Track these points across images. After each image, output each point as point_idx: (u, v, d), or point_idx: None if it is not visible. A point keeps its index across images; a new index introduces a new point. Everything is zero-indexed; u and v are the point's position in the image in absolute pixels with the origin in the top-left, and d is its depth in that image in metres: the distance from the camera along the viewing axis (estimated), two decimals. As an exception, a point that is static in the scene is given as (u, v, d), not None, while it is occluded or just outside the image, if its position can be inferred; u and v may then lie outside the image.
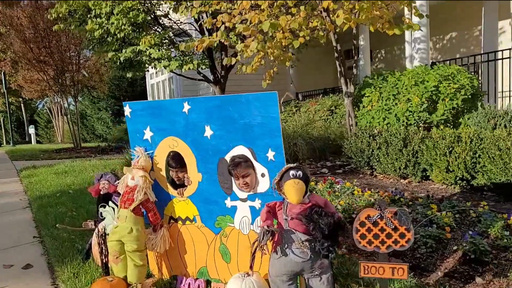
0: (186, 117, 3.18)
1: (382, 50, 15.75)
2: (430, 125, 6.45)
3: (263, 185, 2.90)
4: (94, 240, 4.00)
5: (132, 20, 9.90)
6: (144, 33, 10.58)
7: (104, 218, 3.87)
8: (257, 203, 2.96)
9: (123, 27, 9.99)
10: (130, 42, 11.37)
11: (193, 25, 12.30)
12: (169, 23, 12.37)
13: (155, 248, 3.39)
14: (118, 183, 4.29)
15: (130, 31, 10.18)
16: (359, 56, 12.43)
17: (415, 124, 6.47)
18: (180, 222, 3.41)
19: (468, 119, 6.21)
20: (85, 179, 8.83)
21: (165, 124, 3.31)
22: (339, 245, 3.10)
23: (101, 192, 4.27)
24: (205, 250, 3.30)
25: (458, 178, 5.02)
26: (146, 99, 20.10)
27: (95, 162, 11.35)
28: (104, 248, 3.54)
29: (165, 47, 10.83)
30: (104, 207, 3.84)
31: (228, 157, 3.02)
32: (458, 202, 4.30)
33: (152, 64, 11.08)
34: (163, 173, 3.42)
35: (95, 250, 3.99)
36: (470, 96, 6.21)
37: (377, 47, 15.37)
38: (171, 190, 3.42)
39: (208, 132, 3.08)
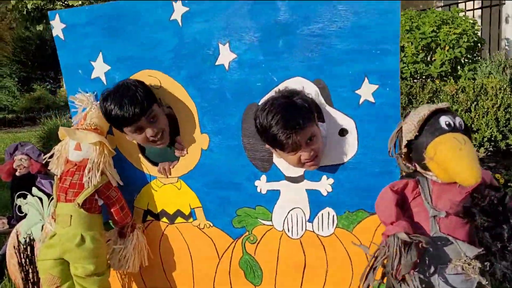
0: (179, 31, 1.73)
1: None
2: (426, 79, 5.47)
3: (343, 150, 1.56)
4: (10, 250, 2.44)
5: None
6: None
7: (25, 214, 2.39)
8: (324, 185, 1.63)
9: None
10: (39, -11, 9.20)
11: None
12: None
13: (125, 265, 1.96)
14: (46, 157, 2.74)
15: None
16: None
17: (410, 78, 5.43)
18: (164, 219, 1.99)
19: (469, 70, 5.28)
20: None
21: (134, 48, 1.83)
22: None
23: (17, 174, 2.69)
24: (212, 264, 1.94)
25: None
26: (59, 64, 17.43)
27: (1, 135, 9.19)
28: (29, 268, 2.03)
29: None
30: (25, 196, 2.36)
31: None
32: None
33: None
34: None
35: (12, 266, 2.45)
36: (472, 44, 5.29)
37: None
38: (148, 167, 1.97)
39: (226, 56, 1.66)
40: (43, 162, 2.80)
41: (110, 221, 1.99)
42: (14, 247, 2.38)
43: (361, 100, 1.49)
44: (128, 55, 1.85)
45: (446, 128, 1.21)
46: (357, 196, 1.59)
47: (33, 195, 2.38)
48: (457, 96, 4.26)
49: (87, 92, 1.97)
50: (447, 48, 5.35)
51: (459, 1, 6.77)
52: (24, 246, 2.10)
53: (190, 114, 1.80)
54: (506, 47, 5.70)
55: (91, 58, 1.93)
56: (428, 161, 1.22)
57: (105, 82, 1.94)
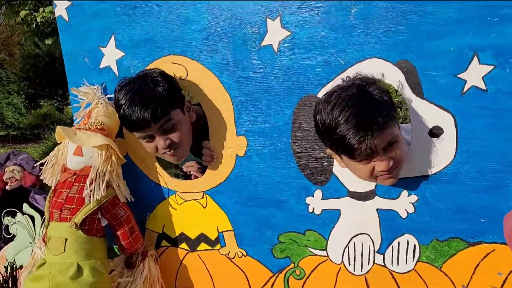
0: (214, 5, 1.36)
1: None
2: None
3: (433, 157, 1.17)
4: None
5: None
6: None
7: (13, 236, 2.02)
8: (403, 203, 1.23)
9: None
10: (49, 2, 9.06)
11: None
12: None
13: (132, 305, 1.53)
14: (38, 164, 2.37)
15: (51, -18, 7.90)
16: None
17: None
18: (184, 245, 1.59)
19: None
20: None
21: (156, 28, 1.47)
22: None
23: (7, 187, 2.31)
24: (243, 305, 1.51)
25: None
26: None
27: (2, 152, 8.87)
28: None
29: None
30: (13, 215, 2.00)
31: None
32: None
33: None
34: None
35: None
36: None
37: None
38: (167, 179, 1.57)
39: (275, 34, 1.28)
40: (39, 174, 2.44)
41: (115, 246, 1.59)
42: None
43: (466, 87, 1.09)
44: (148, 38, 1.50)
45: None
46: (451, 219, 1.19)
47: (23, 213, 2.00)
48: None
49: (93, 85, 1.59)
50: None
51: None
52: (5, 278, 1.69)
53: (224, 111, 1.43)
54: None
55: (101, 43, 1.58)
56: None
57: (116, 72, 1.58)
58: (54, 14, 7.90)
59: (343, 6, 1.19)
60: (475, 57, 1.08)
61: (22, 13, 8.46)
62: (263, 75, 1.35)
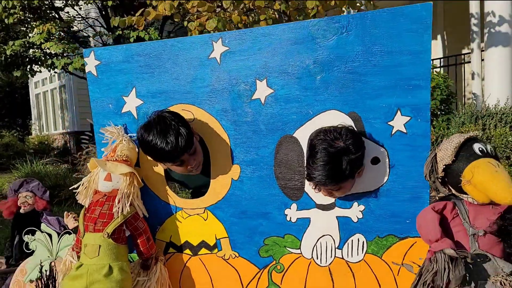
0: (217, 69, 1.85)
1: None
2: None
3: (374, 178, 1.68)
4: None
5: (26, 2, 7.92)
6: (38, 21, 8.59)
7: (32, 251, 2.32)
8: (355, 212, 1.73)
9: (12, 10, 7.93)
10: (16, 36, 9.26)
11: (98, 20, 10.51)
12: (68, 17, 10.40)
13: (148, 299, 1.94)
14: (50, 193, 2.73)
15: (22, 16, 8.14)
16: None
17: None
18: (187, 251, 2.01)
19: (443, 121, 5.64)
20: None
21: (170, 84, 1.93)
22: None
23: (22, 211, 2.65)
24: (235, 296, 1.94)
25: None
26: (29, 111, 17.12)
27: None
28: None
29: (65, 41, 8.89)
30: (33, 233, 2.28)
31: (301, 134, 1.75)
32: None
33: (49, 61, 9.03)
34: (159, 169, 2.00)
35: (14, 306, 2.36)
36: (445, 97, 5.68)
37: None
38: (175, 198, 2.01)
39: (262, 91, 1.79)
40: (47, 200, 2.80)
41: (131, 255, 2.00)
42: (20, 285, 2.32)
43: (394, 131, 1.63)
44: (163, 90, 1.94)
45: (480, 153, 1.36)
46: (387, 222, 1.69)
47: (42, 232, 2.35)
48: (436, 143, 4.52)
49: (116, 125, 2.03)
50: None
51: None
52: (44, 281, 2.05)
53: (223, 146, 1.89)
54: (474, 101, 6.14)
55: (124, 93, 2.00)
56: (465, 183, 1.36)
57: (136, 116, 2.01)
58: (22, 46, 8.04)
59: (311, 73, 1.71)
60: (398, 111, 1.62)
61: (-10, 47, 8.56)
62: (253, 120, 1.83)
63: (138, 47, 1.94)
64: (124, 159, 1.93)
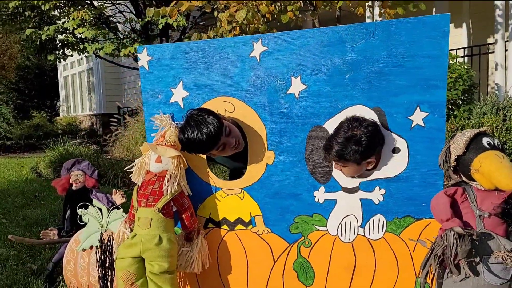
0: (256, 66, 2.08)
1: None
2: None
3: (394, 165, 1.91)
4: (68, 257, 2.67)
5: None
6: (73, 8, 8.92)
7: (84, 224, 2.62)
8: (376, 195, 1.96)
9: (48, -4, 8.26)
10: (50, 21, 9.60)
11: (127, 6, 10.80)
12: (99, 2, 10.72)
13: (191, 266, 2.22)
14: (98, 173, 3.03)
15: (57, 3, 8.47)
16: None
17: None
18: (225, 226, 2.28)
19: (465, 111, 5.76)
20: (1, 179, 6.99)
21: (214, 78, 2.17)
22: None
23: (74, 187, 2.96)
24: (267, 267, 2.21)
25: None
26: (58, 93, 17.67)
27: (5, 161, 9.30)
28: (108, 267, 2.28)
29: (97, 27, 9.22)
30: (86, 207, 2.58)
31: (330, 125, 1.98)
32: None
33: (81, 46, 9.39)
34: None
35: (68, 271, 2.68)
36: (467, 87, 5.80)
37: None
38: (215, 180, 2.27)
39: (296, 87, 2.02)
40: (96, 178, 3.09)
41: (176, 228, 2.27)
42: (73, 253, 2.63)
43: (413, 125, 1.85)
44: (207, 84, 2.19)
45: (488, 146, 1.57)
46: (405, 204, 1.92)
47: (94, 206, 2.64)
48: (450, 136, 4.69)
49: (165, 114, 2.29)
50: (443, 90, 5.83)
51: (449, 49, 7.38)
52: (108, 250, 2.34)
53: (259, 134, 2.13)
54: (496, 91, 6.23)
55: (172, 86, 2.26)
56: (474, 172, 1.57)
57: (182, 106, 2.26)
58: (56, 31, 8.37)
59: (341, 72, 1.93)
60: (418, 107, 1.83)
61: (28, 31, 8.94)
62: (287, 112, 2.06)
63: (186, 45, 2.19)
64: (172, 143, 2.19)
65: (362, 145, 1.78)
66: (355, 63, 1.89)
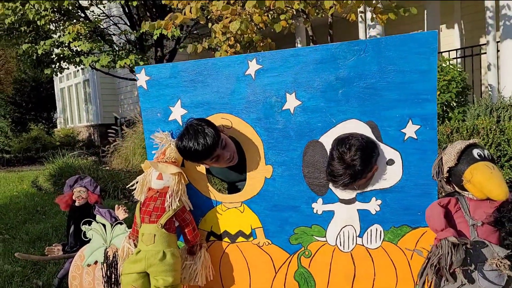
0: (252, 84, 2.14)
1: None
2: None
3: (389, 177, 1.97)
4: (74, 272, 2.72)
5: (57, 4, 8.29)
6: (68, 22, 8.97)
7: (89, 239, 2.66)
8: (373, 205, 2.02)
9: (44, 12, 8.32)
10: (46, 35, 9.66)
11: (121, 18, 10.86)
12: (93, 15, 10.78)
13: (194, 279, 2.28)
14: (100, 189, 3.07)
15: (53, 18, 8.53)
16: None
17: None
18: (226, 239, 2.33)
19: (459, 113, 5.84)
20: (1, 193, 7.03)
21: (211, 96, 2.23)
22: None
23: (77, 204, 3.00)
24: (268, 278, 2.27)
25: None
26: (54, 105, 17.72)
27: (4, 175, 9.33)
28: (110, 285, 2.32)
29: (92, 40, 9.27)
30: (89, 224, 2.63)
31: (325, 139, 2.04)
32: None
33: (77, 59, 9.45)
34: (201, 168, 2.32)
35: (74, 287, 2.73)
36: (461, 89, 5.88)
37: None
38: (215, 194, 2.33)
39: (291, 103, 2.08)
40: (98, 194, 3.14)
41: (179, 242, 2.32)
42: (78, 268, 2.67)
43: (406, 137, 1.91)
44: (205, 101, 2.25)
45: (478, 158, 1.63)
46: (401, 214, 1.98)
47: (98, 222, 2.69)
48: (451, 135, 4.76)
49: (164, 131, 2.34)
50: (438, 92, 5.92)
51: (442, 51, 7.47)
52: (108, 263, 2.39)
53: (257, 149, 2.18)
54: (490, 92, 6.32)
55: (170, 104, 2.31)
56: (466, 183, 1.64)
57: (180, 123, 2.31)
58: (52, 45, 8.45)
59: (334, 88, 2.00)
60: (410, 120, 1.90)
61: (24, 46, 8.99)
62: (283, 127, 2.12)
63: (183, 65, 2.25)
64: (172, 160, 2.25)
65: (359, 167, 1.84)
66: (348, 79, 1.95)
